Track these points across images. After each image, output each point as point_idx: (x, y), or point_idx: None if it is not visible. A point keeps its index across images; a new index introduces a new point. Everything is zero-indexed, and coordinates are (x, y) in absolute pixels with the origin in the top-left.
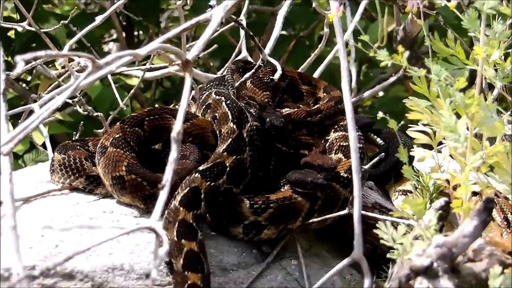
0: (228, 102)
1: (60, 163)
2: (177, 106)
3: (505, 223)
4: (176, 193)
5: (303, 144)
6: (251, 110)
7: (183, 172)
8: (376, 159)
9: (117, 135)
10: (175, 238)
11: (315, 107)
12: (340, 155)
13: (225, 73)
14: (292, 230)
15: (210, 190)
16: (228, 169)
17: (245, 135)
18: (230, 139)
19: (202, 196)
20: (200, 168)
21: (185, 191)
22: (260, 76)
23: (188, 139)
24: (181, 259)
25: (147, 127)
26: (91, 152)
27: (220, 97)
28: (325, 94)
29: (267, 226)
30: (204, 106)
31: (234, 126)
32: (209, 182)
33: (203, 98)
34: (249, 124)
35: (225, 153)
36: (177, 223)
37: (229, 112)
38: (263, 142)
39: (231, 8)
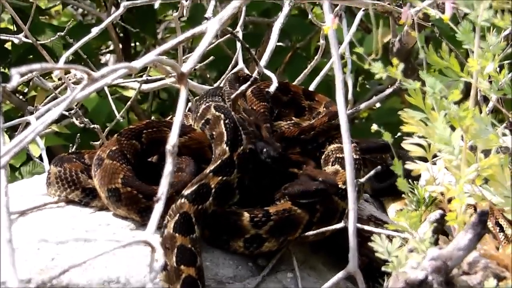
0: (226, 121)
1: (56, 175)
2: (174, 119)
3: (498, 228)
4: (166, 221)
5: (292, 162)
6: (250, 129)
7: (178, 185)
8: (372, 172)
9: (114, 147)
10: (174, 264)
11: (309, 123)
12: (337, 166)
13: (222, 85)
14: (291, 242)
15: (199, 213)
16: (213, 190)
17: (235, 158)
18: (220, 161)
19: (194, 220)
20: (185, 192)
21: (176, 217)
22: (262, 87)
23: (186, 152)
24: (178, 285)
25: (145, 139)
26: (87, 165)
27: (219, 113)
28: (324, 109)
29: (268, 239)
30: (203, 121)
31: (227, 148)
32: (196, 206)
33: (200, 110)
34: (242, 147)
35: (211, 173)
36: (176, 249)
37: (225, 132)
38: (256, 164)
39: (227, 21)
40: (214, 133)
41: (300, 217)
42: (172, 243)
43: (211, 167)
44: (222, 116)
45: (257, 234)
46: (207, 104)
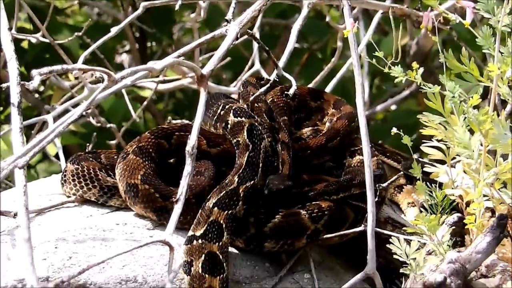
0: (251, 154)
1: (72, 173)
2: (206, 127)
3: None
4: (188, 260)
5: (306, 182)
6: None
7: (197, 188)
8: (394, 178)
9: (141, 144)
10: None
11: (330, 131)
12: (360, 157)
13: (238, 86)
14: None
15: (222, 250)
16: (224, 226)
17: (241, 191)
18: (224, 192)
19: (220, 257)
20: (197, 233)
21: (202, 258)
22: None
23: (219, 163)
24: None
25: (175, 141)
26: (103, 164)
27: (249, 143)
28: (336, 119)
29: (323, 231)
30: (235, 141)
31: (236, 180)
32: (216, 244)
33: (231, 122)
34: (252, 182)
35: (216, 208)
36: None
37: (244, 165)
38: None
39: (247, 23)
40: (238, 161)
41: (347, 215)
42: (200, 283)
43: (214, 198)
44: (251, 147)
45: (316, 229)
46: (239, 118)
